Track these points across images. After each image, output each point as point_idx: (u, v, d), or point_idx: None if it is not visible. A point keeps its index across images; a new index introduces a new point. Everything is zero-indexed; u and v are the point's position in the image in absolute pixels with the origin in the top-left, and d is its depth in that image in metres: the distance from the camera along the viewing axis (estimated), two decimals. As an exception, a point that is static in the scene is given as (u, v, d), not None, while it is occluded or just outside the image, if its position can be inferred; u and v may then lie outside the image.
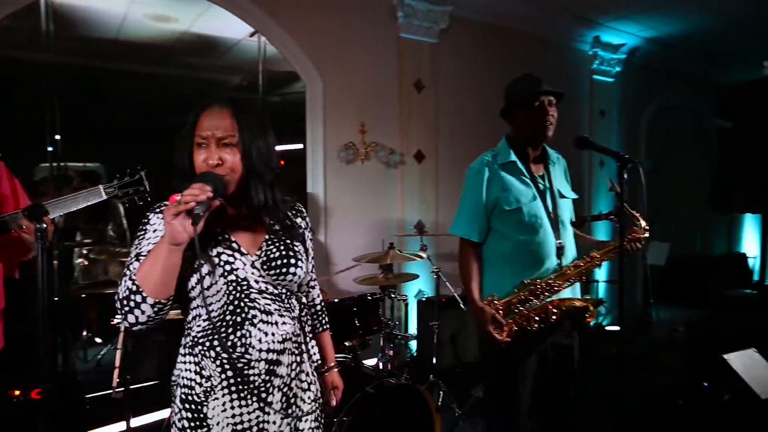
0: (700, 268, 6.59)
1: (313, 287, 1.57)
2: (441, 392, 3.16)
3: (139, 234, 1.28)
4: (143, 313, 1.16)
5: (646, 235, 1.95)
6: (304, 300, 1.48)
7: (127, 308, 1.16)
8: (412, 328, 4.10)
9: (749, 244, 7.68)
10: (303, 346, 1.41)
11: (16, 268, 2.32)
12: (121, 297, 1.18)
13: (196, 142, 1.24)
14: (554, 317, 1.89)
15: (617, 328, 4.84)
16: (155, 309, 1.17)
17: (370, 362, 3.18)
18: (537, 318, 1.89)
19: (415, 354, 4.06)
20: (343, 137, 4.00)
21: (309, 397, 1.40)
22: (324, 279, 3.35)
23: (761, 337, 3.25)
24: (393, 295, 2.84)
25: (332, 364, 1.61)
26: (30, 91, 4.24)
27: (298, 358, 1.37)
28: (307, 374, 1.41)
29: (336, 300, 2.75)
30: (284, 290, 1.35)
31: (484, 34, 4.72)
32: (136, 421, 2.60)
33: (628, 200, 1.84)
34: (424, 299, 4.09)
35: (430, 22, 4.29)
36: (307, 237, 1.46)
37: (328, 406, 1.57)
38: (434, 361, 3.33)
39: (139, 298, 1.15)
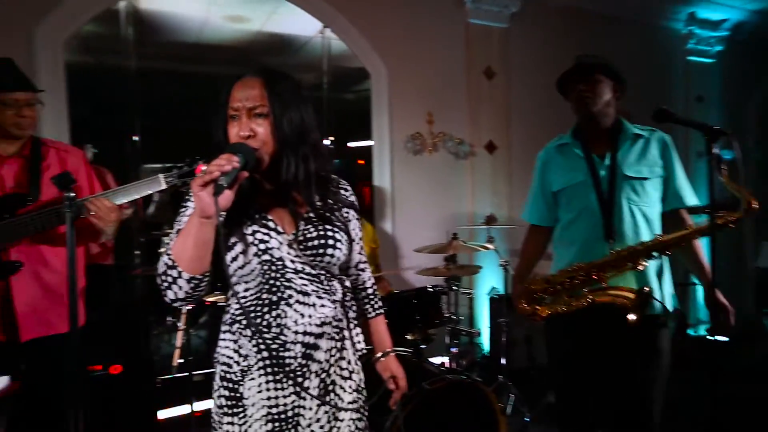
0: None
1: (362, 270, 1.48)
2: (511, 395, 2.98)
3: (180, 210, 1.27)
4: (180, 288, 1.14)
5: (755, 207, 1.64)
6: (348, 284, 1.40)
7: (165, 284, 1.15)
8: (482, 326, 3.93)
9: None
10: (345, 333, 1.33)
11: (111, 253, 2.47)
12: (159, 272, 1.17)
13: (230, 115, 1.19)
14: (586, 302, 1.77)
15: (723, 338, 4.37)
16: (191, 285, 1.14)
17: (438, 360, 3.07)
18: (571, 303, 1.81)
19: (487, 353, 3.89)
20: (410, 128, 3.91)
21: (350, 387, 1.32)
22: (391, 272, 3.28)
23: None
24: (456, 289, 2.70)
25: (388, 350, 1.50)
26: (112, 94, 4.55)
27: (339, 345, 1.30)
28: (349, 362, 1.33)
29: (395, 291, 2.66)
30: (323, 272, 1.28)
31: (560, 17, 4.44)
32: (204, 405, 2.66)
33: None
34: (496, 296, 3.91)
35: (500, 6, 4.10)
36: (352, 217, 1.39)
37: (390, 396, 1.48)
38: (503, 361, 3.15)
39: (175, 273, 1.13)
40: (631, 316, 1.63)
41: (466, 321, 3.53)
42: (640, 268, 1.74)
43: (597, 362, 1.84)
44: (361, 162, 4.07)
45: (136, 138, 4.05)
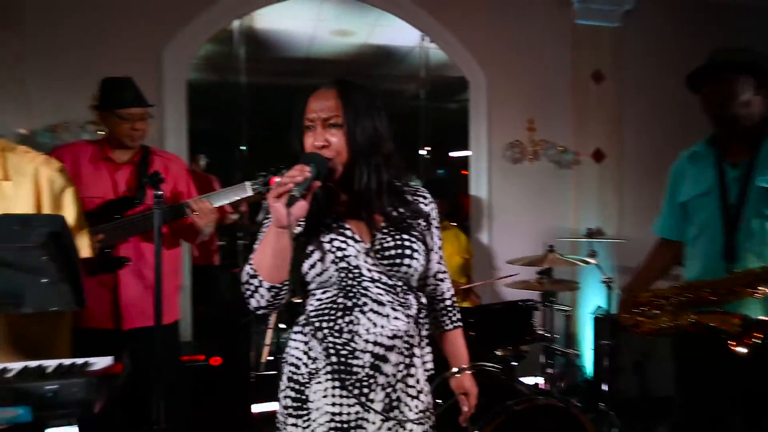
0: None
1: (441, 280, 1.43)
2: (613, 428, 2.72)
3: (264, 221, 1.30)
4: (262, 297, 1.19)
5: None
6: (424, 300, 1.36)
7: (248, 292, 1.20)
8: (584, 347, 3.64)
9: None
10: (416, 350, 1.29)
11: (216, 255, 2.69)
12: (242, 281, 1.21)
13: (305, 125, 1.22)
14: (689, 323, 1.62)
15: None
16: (272, 293, 1.18)
17: (532, 381, 2.90)
18: (673, 321, 1.66)
19: (589, 378, 3.60)
20: (509, 136, 3.77)
21: (416, 407, 1.27)
22: (483, 283, 3.17)
23: None
24: (551, 305, 2.52)
25: (465, 365, 1.44)
26: (224, 108, 4.95)
27: (408, 361, 1.27)
28: (417, 381, 1.29)
29: (483, 304, 2.56)
30: (400, 283, 1.26)
31: (681, 12, 4.03)
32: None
33: None
34: (601, 316, 3.61)
35: (611, 4, 3.82)
36: (431, 226, 1.36)
37: (461, 414, 1.42)
38: (606, 387, 2.89)
39: (256, 282, 1.18)
40: (741, 349, 1.42)
41: (563, 340, 3.29)
42: (758, 295, 1.50)
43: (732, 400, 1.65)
44: (465, 172, 4.01)
45: (243, 148, 4.34)
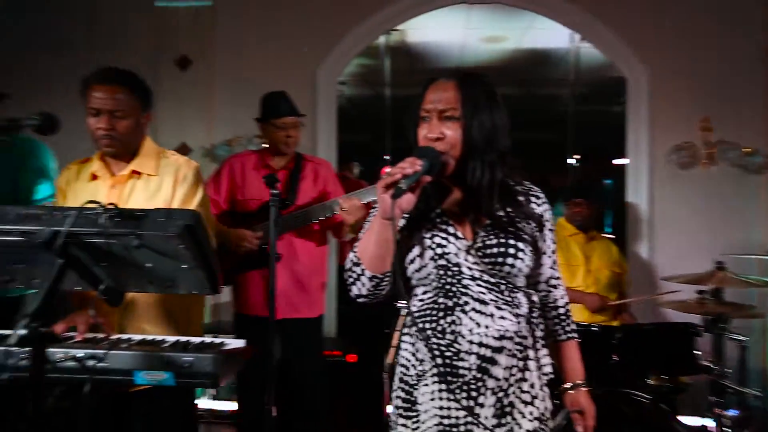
0: None
1: (555, 286, 1.33)
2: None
3: (371, 211, 1.35)
4: (363, 285, 1.21)
5: None
6: (535, 299, 1.29)
7: (351, 279, 1.23)
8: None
9: None
10: (529, 352, 1.22)
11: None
12: (346, 268, 1.25)
13: (421, 116, 1.20)
14: None
15: None
16: (373, 283, 1.19)
17: (697, 421, 2.49)
18: None
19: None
20: (675, 138, 3.33)
21: (531, 414, 1.20)
22: (635, 300, 2.83)
23: None
24: (723, 332, 2.11)
25: (580, 380, 1.33)
26: (370, 119, 5.22)
27: (521, 364, 1.20)
28: (532, 386, 1.22)
29: (630, 324, 2.28)
30: (505, 282, 1.20)
31: None
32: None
33: None
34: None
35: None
36: (545, 227, 1.27)
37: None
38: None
39: (359, 270, 1.20)
40: None
41: (737, 375, 2.75)
42: None
43: None
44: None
45: (387, 157, 4.52)
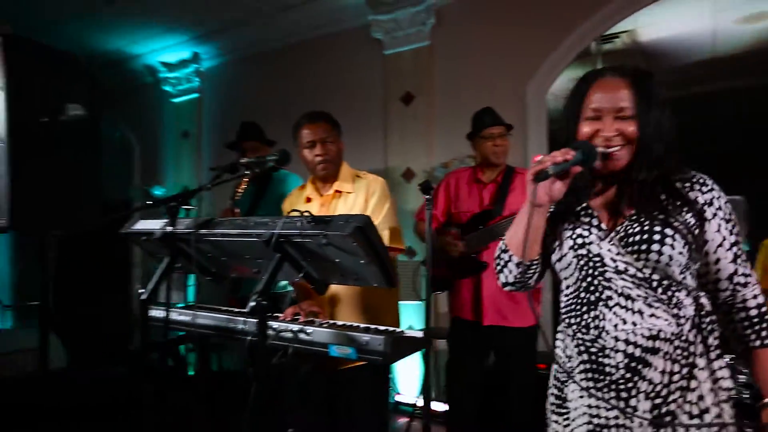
0: None
1: (743, 285, 1.17)
2: None
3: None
4: (510, 272, 1.26)
5: None
6: (705, 301, 1.16)
7: (499, 266, 1.29)
8: None
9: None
10: (698, 360, 1.12)
11: None
12: (495, 255, 1.31)
13: (588, 116, 1.18)
14: None
15: None
16: (520, 270, 1.23)
17: None
18: None
19: None
20: None
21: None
22: None
23: None
24: None
25: None
26: None
27: (684, 371, 1.11)
28: (701, 398, 1.11)
29: None
30: (658, 276, 1.13)
31: None
32: None
33: None
34: None
35: None
36: (713, 215, 1.15)
37: None
38: None
39: (506, 257, 1.26)
40: None
41: None
42: None
43: None
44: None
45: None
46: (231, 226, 1.61)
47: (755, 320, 1.16)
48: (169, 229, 1.65)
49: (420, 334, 1.65)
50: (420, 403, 3.37)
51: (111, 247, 4.93)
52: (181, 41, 5.22)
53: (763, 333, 1.15)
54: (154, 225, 1.77)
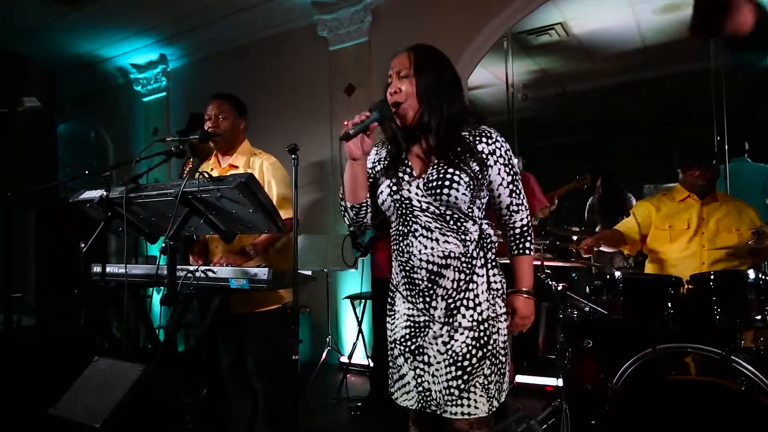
0: None
1: (515, 212, 1.56)
2: None
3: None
4: (348, 214, 1.59)
5: None
6: (485, 227, 1.54)
7: (342, 211, 1.61)
8: None
9: None
10: (477, 269, 1.50)
11: None
12: (339, 203, 1.63)
13: (387, 81, 1.56)
14: None
15: None
16: (353, 212, 1.58)
17: None
18: None
19: None
20: None
21: (471, 317, 1.48)
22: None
23: None
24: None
25: (522, 287, 1.56)
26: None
27: (467, 278, 1.49)
28: (477, 296, 1.49)
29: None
30: (450, 212, 1.49)
31: None
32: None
33: None
34: None
35: None
36: (495, 162, 1.51)
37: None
38: None
39: (344, 204, 1.59)
40: None
41: None
42: None
43: None
44: None
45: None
46: (152, 189, 2.00)
47: (518, 235, 1.57)
48: (104, 194, 2.04)
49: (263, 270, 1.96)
50: (356, 360, 3.78)
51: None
52: (149, 44, 5.60)
53: (521, 245, 1.57)
54: (95, 193, 2.15)
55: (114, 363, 1.57)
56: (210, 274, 1.98)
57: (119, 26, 5.27)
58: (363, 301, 3.85)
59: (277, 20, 4.84)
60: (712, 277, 1.98)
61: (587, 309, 2.18)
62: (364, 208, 1.61)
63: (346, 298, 3.88)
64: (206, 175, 1.85)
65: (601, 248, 2.63)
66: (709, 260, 2.48)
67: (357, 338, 3.72)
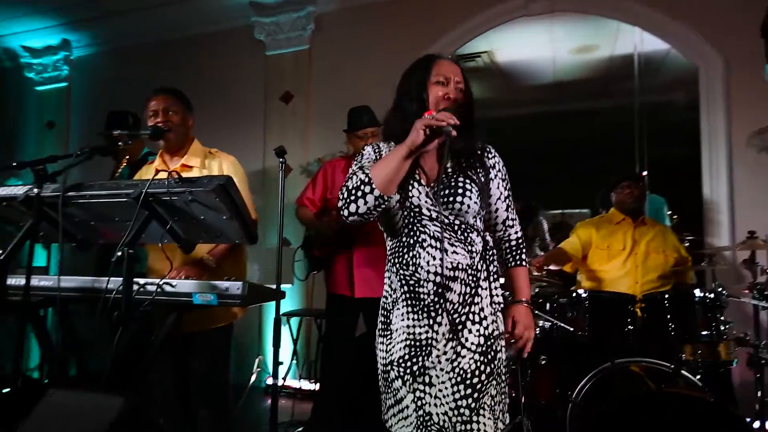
0: None
1: (510, 226, 1.59)
2: None
3: (357, 159, 1.60)
4: (366, 203, 1.38)
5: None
6: (490, 239, 1.54)
7: (353, 197, 1.39)
8: None
9: None
10: (482, 283, 1.47)
11: None
12: (351, 187, 1.41)
13: (435, 81, 1.47)
14: None
15: None
16: (377, 202, 1.38)
17: None
18: None
19: None
20: (757, 123, 3.16)
21: (478, 331, 1.43)
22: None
23: None
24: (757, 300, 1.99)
25: (522, 298, 1.56)
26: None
27: (472, 291, 1.45)
28: (482, 309, 1.45)
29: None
30: (459, 222, 1.45)
31: None
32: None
33: None
34: None
35: None
36: (495, 175, 1.54)
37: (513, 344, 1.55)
38: None
39: (367, 189, 1.38)
40: None
41: None
42: None
43: None
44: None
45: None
46: (102, 188, 1.73)
47: (513, 248, 1.59)
48: (35, 191, 1.71)
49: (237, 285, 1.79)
50: (288, 383, 3.57)
51: None
52: (49, 26, 4.98)
53: (517, 257, 1.59)
54: (16, 190, 1.82)
55: (81, 395, 1.30)
56: (167, 288, 1.74)
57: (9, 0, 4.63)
58: (300, 318, 3.66)
59: (207, 17, 4.55)
60: (666, 296, 2.15)
61: (548, 326, 2.24)
62: (385, 204, 1.43)
63: (284, 315, 3.66)
64: (176, 175, 1.64)
65: (549, 267, 2.75)
66: (642, 279, 2.69)
67: (292, 359, 3.52)
